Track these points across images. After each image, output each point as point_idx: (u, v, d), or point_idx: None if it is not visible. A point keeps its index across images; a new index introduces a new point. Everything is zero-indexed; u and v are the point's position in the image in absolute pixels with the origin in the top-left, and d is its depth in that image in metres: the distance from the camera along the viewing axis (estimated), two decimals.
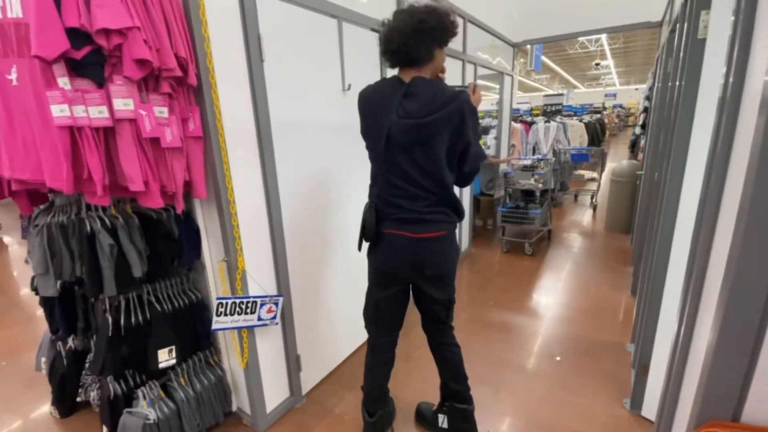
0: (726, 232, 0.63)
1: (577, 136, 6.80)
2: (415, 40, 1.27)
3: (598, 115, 9.53)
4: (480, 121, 7.06)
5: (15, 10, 1.14)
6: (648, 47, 13.62)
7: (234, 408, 1.84)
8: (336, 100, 1.97)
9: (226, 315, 1.57)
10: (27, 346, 2.55)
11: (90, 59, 1.13)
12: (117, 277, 1.43)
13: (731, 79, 0.70)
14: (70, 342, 1.85)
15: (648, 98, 4.75)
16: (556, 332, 2.55)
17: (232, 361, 1.77)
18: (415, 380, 2.12)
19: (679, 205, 1.54)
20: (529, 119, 6.51)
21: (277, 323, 1.73)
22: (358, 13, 2.01)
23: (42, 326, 1.91)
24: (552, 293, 3.13)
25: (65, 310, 1.79)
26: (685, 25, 1.55)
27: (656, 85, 3.16)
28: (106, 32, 1.09)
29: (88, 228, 1.40)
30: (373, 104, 1.37)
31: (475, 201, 4.53)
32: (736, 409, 0.56)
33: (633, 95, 22.77)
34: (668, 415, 0.89)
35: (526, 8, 4.25)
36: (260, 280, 1.69)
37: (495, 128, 4.95)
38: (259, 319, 1.66)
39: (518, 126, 5.47)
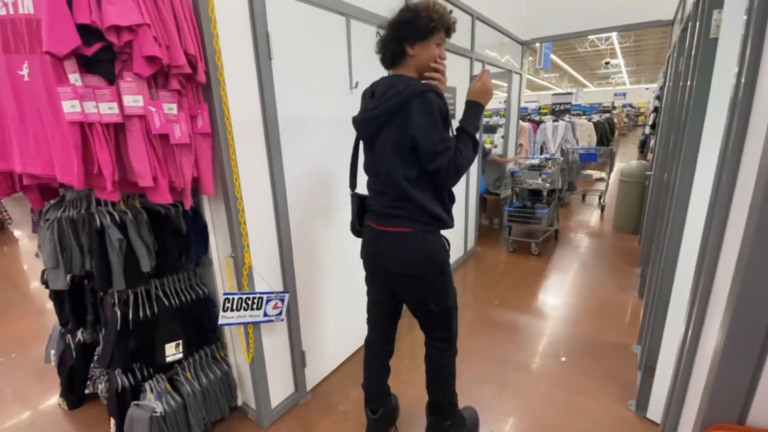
0: (736, 233, 0.62)
1: (586, 136, 6.75)
2: (387, 41, 1.34)
3: (608, 115, 9.44)
4: (486, 119, 7.04)
5: (27, 6, 1.16)
6: (659, 46, 13.44)
7: (239, 402, 1.85)
8: (343, 97, 1.97)
9: (232, 310, 1.58)
10: (37, 338, 2.60)
11: (101, 56, 1.14)
12: (126, 271, 1.45)
13: (743, 80, 0.69)
14: (79, 335, 1.88)
15: (658, 98, 4.70)
16: (561, 333, 2.54)
17: (237, 357, 1.79)
18: (419, 378, 2.11)
19: (689, 206, 1.52)
20: (537, 118, 6.47)
21: (282, 319, 1.74)
22: (367, 10, 2.01)
23: (51, 319, 1.94)
24: (558, 293, 3.11)
25: (75, 303, 1.82)
26: (697, 24, 1.53)
27: (667, 84, 3.12)
28: (117, 29, 1.11)
29: (98, 223, 1.42)
30: (361, 104, 1.47)
31: (482, 200, 4.52)
32: (742, 412, 0.56)
33: (643, 95, 22.50)
34: (674, 418, 0.88)
35: (535, 6, 4.21)
36: (266, 276, 1.70)
37: (503, 127, 4.92)
38: (265, 315, 1.67)
39: (526, 125, 5.44)
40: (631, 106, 21.35)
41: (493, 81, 1.61)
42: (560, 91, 17.52)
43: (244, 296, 1.60)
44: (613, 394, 1.96)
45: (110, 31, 1.10)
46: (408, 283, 1.44)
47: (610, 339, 2.43)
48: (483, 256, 3.99)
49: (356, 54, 1.98)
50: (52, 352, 1.96)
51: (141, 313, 1.55)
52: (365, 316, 1.68)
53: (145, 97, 1.19)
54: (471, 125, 1.33)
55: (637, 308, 2.79)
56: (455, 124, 1.33)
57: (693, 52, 1.58)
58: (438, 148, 1.23)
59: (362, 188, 1.55)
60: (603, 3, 3.88)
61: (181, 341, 1.61)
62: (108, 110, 1.15)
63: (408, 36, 1.29)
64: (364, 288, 1.63)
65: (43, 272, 1.68)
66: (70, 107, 1.14)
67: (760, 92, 0.65)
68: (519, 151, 5.15)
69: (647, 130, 7.51)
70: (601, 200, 5.64)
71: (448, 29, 1.33)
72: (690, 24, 1.79)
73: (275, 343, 1.81)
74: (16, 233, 5.17)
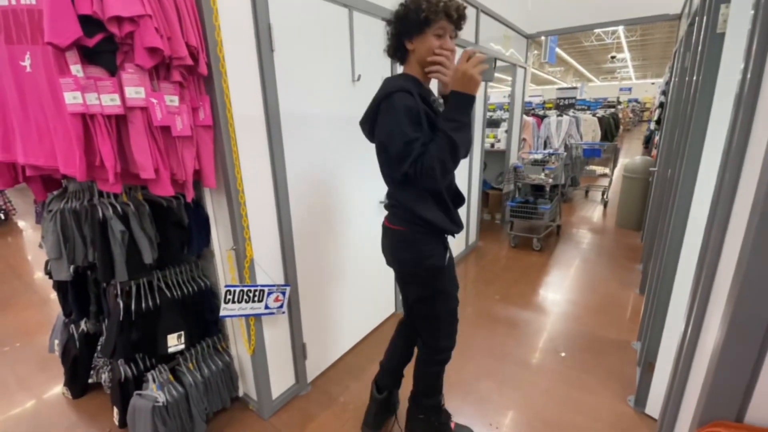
0: (738, 230, 0.61)
1: (590, 131, 6.70)
2: (390, 38, 1.32)
3: (612, 110, 9.36)
4: (490, 113, 6.99)
5: None
6: (666, 40, 13.28)
7: (240, 393, 1.87)
8: (346, 90, 1.96)
9: (234, 302, 1.59)
10: (41, 328, 2.63)
11: (102, 47, 1.14)
12: (128, 263, 1.46)
13: (749, 75, 0.68)
14: (83, 325, 1.90)
15: (664, 93, 4.65)
16: (561, 328, 2.55)
17: (239, 348, 1.81)
18: None
19: (692, 202, 1.52)
20: (541, 113, 6.42)
21: (284, 312, 1.75)
22: (370, 2, 1.99)
23: (55, 309, 1.96)
24: (559, 289, 3.11)
25: (78, 294, 1.83)
26: (704, 18, 1.51)
27: (673, 79, 3.09)
28: (118, 20, 1.10)
29: (101, 214, 1.43)
30: None
31: (484, 195, 4.50)
32: (740, 410, 0.56)
33: (649, 89, 22.29)
34: (672, 414, 0.88)
35: None
36: (268, 269, 1.71)
37: (506, 121, 4.89)
38: (266, 307, 1.68)
39: (530, 119, 5.40)
40: (636, 101, 21.17)
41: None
42: (565, 85, 17.38)
43: (245, 288, 1.61)
44: (612, 389, 1.97)
45: (112, 21, 1.09)
46: (399, 279, 1.50)
47: (611, 335, 2.44)
48: (484, 251, 3.99)
49: (359, 47, 1.97)
50: (56, 341, 1.98)
51: (143, 304, 1.56)
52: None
53: (146, 89, 1.19)
54: (447, 121, 1.18)
55: (637, 305, 2.79)
56: None
57: (699, 47, 1.57)
58: (402, 152, 1.17)
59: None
60: None
61: (183, 332, 1.63)
62: (110, 102, 1.15)
63: (404, 31, 1.25)
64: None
65: (46, 263, 1.69)
66: (71, 98, 1.14)
67: (765, 89, 0.64)
68: (522, 146, 5.12)
69: (652, 125, 7.44)
70: (604, 196, 5.62)
71: (449, 15, 1.19)
72: (697, 18, 1.76)
73: (276, 335, 1.83)
74: (20, 224, 5.20)
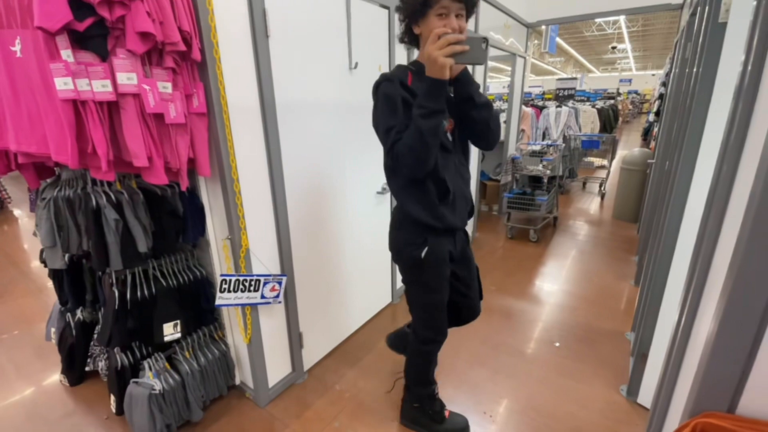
0: (734, 223, 0.61)
1: (589, 122, 6.67)
2: (401, 26, 1.30)
3: (612, 101, 9.32)
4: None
5: None
6: (668, 31, 13.17)
7: (237, 382, 1.89)
8: (342, 78, 1.94)
9: (229, 292, 1.59)
10: (38, 316, 2.63)
11: (93, 31, 1.11)
12: (123, 251, 1.45)
13: (749, 67, 0.67)
14: (79, 313, 1.90)
15: (664, 84, 4.62)
16: (556, 319, 2.56)
17: (235, 337, 1.81)
18: None
19: (689, 194, 1.51)
20: (540, 103, 6.38)
21: (280, 302, 1.75)
22: None
23: (52, 297, 1.96)
24: (555, 280, 3.13)
25: (73, 282, 1.83)
26: (706, 8, 1.49)
27: (673, 71, 3.07)
28: (109, 3, 1.08)
29: (94, 202, 1.41)
30: None
31: (482, 186, 4.49)
32: (732, 401, 0.56)
33: (649, 81, 22.18)
34: (664, 403, 0.89)
35: None
36: (264, 259, 1.71)
37: (505, 112, 4.86)
38: (262, 297, 1.68)
39: (529, 110, 5.36)
40: (636, 92, 21.07)
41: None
42: (565, 76, 17.26)
43: (241, 278, 1.61)
44: (605, 378, 1.99)
45: (102, 5, 1.07)
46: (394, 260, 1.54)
47: (605, 326, 2.46)
48: (481, 242, 3.99)
49: (356, 34, 1.94)
50: (53, 330, 1.98)
51: (139, 293, 1.56)
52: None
53: (138, 75, 1.17)
54: (416, 107, 1.15)
55: (632, 296, 2.81)
56: None
57: (700, 38, 1.55)
58: (383, 141, 1.24)
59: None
60: None
61: (178, 321, 1.63)
62: (101, 88, 1.13)
63: (410, 16, 1.23)
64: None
65: (41, 251, 1.68)
66: (62, 84, 1.12)
67: (766, 81, 0.63)
68: (521, 137, 5.10)
69: (651, 117, 7.42)
70: (602, 188, 5.62)
71: None
72: (699, 8, 1.74)
73: (273, 325, 1.83)
74: (16, 212, 5.17)
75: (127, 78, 1.16)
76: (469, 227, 3.98)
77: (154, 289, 1.58)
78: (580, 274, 3.21)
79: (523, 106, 5.16)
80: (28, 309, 2.77)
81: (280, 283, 1.72)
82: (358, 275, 2.31)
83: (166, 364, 1.65)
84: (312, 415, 1.81)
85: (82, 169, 1.42)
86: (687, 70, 1.89)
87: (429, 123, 1.12)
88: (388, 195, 2.45)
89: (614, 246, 3.78)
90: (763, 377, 0.54)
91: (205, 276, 1.73)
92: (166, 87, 1.23)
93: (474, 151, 3.70)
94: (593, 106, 7.12)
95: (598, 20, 10.63)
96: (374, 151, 2.29)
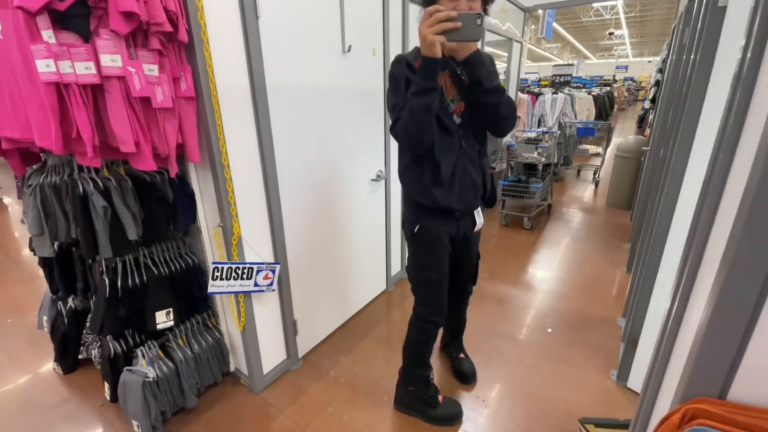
0: (729, 211, 0.61)
1: (585, 109, 6.65)
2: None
3: (608, 88, 9.28)
4: None
5: None
6: (665, 17, 13.07)
7: (232, 368, 1.89)
8: (335, 61, 1.90)
9: (222, 279, 1.58)
10: (30, 304, 2.60)
11: (74, 11, 1.07)
12: (112, 239, 1.43)
13: (749, 54, 0.66)
14: (71, 302, 1.88)
15: (661, 71, 4.59)
16: (549, 305, 2.59)
17: (229, 324, 1.81)
18: None
19: (683, 182, 1.51)
20: (536, 90, 6.33)
21: (273, 290, 1.75)
22: None
23: (44, 285, 1.94)
24: (548, 267, 3.15)
25: (64, 270, 1.81)
26: None
27: (670, 57, 3.04)
28: None
29: (81, 189, 1.38)
30: None
31: None
32: (723, 388, 0.56)
33: (645, 68, 22.08)
34: (654, 389, 0.90)
35: None
36: (257, 247, 1.69)
37: None
38: (256, 285, 1.67)
39: (525, 97, 5.32)
40: (632, 79, 20.98)
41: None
42: (561, 62, 17.13)
43: (233, 266, 1.59)
44: (596, 363, 2.02)
45: None
46: None
47: (597, 312, 2.49)
48: None
49: (349, 15, 1.89)
50: (45, 318, 1.96)
51: (130, 281, 1.54)
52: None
53: (123, 57, 1.13)
54: (413, 86, 1.18)
55: (624, 282, 2.84)
56: None
57: (699, 22, 1.52)
58: (391, 119, 1.30)
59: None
60: None
61: (171, 309, 1.62)
62: (84, 70, 1.09)
63: (422, 1, 1.27)
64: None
65: (30, 239, 1.65)
66: (44, 66, 1.08)
67: (765, 68, 0.62)
68: (516, 124, 5.07)
69: (647, 104, 7.40)
70: (596, 176, 5.63)
71: None
72: None
73: (267, 312, 1.83)
74: (6, 200, 5.08)
75: (111, 60, 1.12)
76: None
77: (145, 277, 1.57)
78: (573, 261, 3.24)
79: (519, 93, 5.11)
80: (20, 297, 2.74)
81: (273, 272, 1.71)
82: (353, 262, 2.30)
83: (160, 352, 1.64)
84: (306, 400, 1.82)
85: (68, 155, 1.38)
86: (684, 57, 1.87)
87: (420, 101, 1.17)
88: (383, 182, 2.43)
89: (607, 233, 3.81)
90: (754, 364, 0.54)
91: (197, 264, 1.71)
92: (152, 69, 1.19)
93: None
94: (589, 93, 7.08)
95: (595, 5, 10.50)
96: (368, 137, 2.26)
